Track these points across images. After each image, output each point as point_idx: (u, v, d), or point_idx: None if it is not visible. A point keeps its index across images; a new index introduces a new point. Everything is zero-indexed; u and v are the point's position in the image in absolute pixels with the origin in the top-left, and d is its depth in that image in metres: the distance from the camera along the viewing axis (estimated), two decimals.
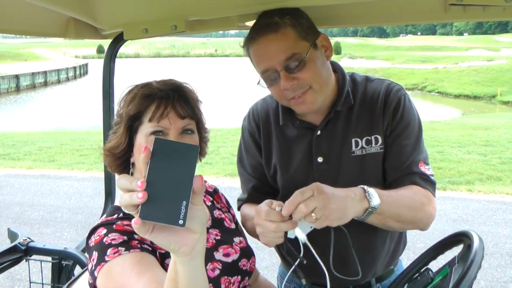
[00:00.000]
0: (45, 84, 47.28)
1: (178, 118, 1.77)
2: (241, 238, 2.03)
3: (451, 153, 12.48)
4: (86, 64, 64.04)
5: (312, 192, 1.62)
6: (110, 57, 2.71)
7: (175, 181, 1.03)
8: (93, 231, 1.73)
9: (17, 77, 42.01)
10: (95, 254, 1.63)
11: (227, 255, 1.90)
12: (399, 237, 2.30)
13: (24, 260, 2.82)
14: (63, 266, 2.77)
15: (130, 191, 1.04)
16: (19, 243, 2.78)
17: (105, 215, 1.83)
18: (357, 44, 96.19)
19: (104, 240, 1.64)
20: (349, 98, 2.08)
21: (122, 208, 1.69)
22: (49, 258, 2.83)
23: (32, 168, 12.03)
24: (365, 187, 1.77)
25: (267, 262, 5.94)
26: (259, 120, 2.27)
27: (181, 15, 2.18)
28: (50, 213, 8.68)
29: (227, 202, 2.25)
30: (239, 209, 2.38)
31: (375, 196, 1.75)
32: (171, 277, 1.19)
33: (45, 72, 48.30)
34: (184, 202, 1.03)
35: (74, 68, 58.64)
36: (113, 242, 1.62)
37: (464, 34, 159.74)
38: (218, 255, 1.88)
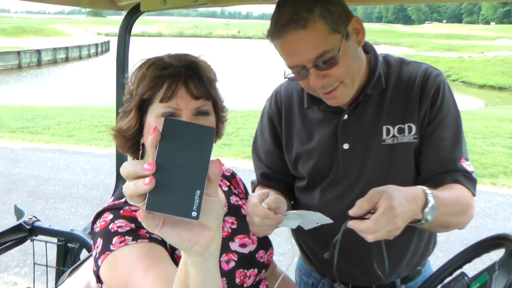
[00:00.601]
0: (67, 59, 47.33)
1: (192, 98, 1.64)
2: None
3: (475, 144, 12.16)
4: (108, 42, 64.09)
5: (379, 197, 1.51)
6: (125, 29, 2.57)
7: (187, 168, 0.89)
8: (98, 215, 1.62)
9: (38, 52, 42.18)
10: (99, 241, 1.53)
11: (243, 245, 1.79)
12: (429, 236, 2.15)
13: (29, 240, 2.69)
14: (69, 248, 2.64)
15: (136, 178, 0.88)
16: (24, 221, 2.65)
17: (112, 198, 1.71)
18: (381, 30, 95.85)
19: (110, 226, 1.53)
20: (381, 81, 1.94)
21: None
22: (55, 240, 2.70)
23: (50, 143, 12.05)
24: (429, 196, 1.62)
25: (284, 248, 5.79)
26: (282, 103, 2.15)
27: None
28: (66, 188, 8.65)
29: (245, 187, 2.13)
30: (253, 191, 2.27)
31: (433, 211, 1.61)
32: (181, 279, 1.04)
33: (66, 48, 48.40)
34: (198, 192, 0.88)
35: (96, 45, 58.54)
36: (120, 230, 1.51)
37: (491, 23, 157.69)
38: (234, 245, 1.76)
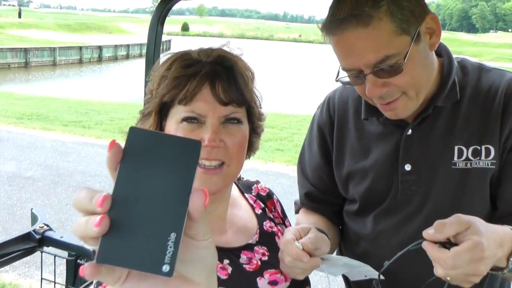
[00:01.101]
0: (127, 57, 48.24)
1: (219, 103, 1.37)
2: None
3: None
4: (169, 41, 65.14)
5: (466, 227, 1.24)
6: (158, 20, 2.28)
7: (159, 200, 0.63)
8: None
9: (100, 48, 43.23)
10: None
11: (274, 283, 1.51)
12: (501, 285, 1.84)
13: (39, 251, 2.42)
14: (79, 265, 2.35)
15: (89, 214, 0.63)
16: (33, 230, 2.39)
17: None
18: (444, 38, 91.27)
19: None
20: (455, 91, 1.63)
21: None
22: (65, 253, 2.42)
23: (101, 138, 12.02)
24: None
25: None
26: (335, 112, 1.90)
27: None
28: (112, 185, 8.46)
29: (282, 210, 1.81)
30: (296, 213, 2.05)
31: None
32: None
33: (127, 46, 49.39)
34: (173, 235, 0.62)
35: None
36: None
37: None
38: (262, 282, 1.49)
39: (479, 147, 1.61)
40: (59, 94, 20.04)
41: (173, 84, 1.37)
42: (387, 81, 1.50)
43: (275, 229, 1.67)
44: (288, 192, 6.54)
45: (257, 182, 1.79)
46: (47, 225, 2.44)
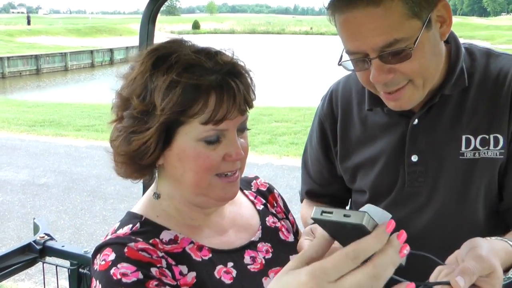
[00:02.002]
0: None
1: (239, 114, 1.32)
2: None
3: None
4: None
5: (489, 272, 1.14)
6: (148, 18, 2.23)
7: None
8: (98, 250, 1.31)
9: (111, 51, 43.29)
10: (99, 286, 1.24)
11: None
12: None
13: (41, 262, 2.37)
14: (82, 274, 2.30)
15: None
16: (34, 240, 2.33)
17: (118, 224, 1.39)
18: (455, 23, 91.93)
19: (112, 272, 1.22)
20: (463, 78, 1.57)
21: (144, 216, 1.38)
22: (67, 263, 2.37)
23: None
24: None
25: None
26: (338, 104, 1.85)
27: None
28: (126, 188, 8.48)
29: (285, 205, 1.75)
30: (301, 201, 2.10)
31: None
32: None
33: (139, 47, 49.62)
34: None
35: None
36: (124, 280, 1.20)
37: None
38: (268, 282, 1.38)
39: (487, 136, 1.55)
40: (71, 99, 20.15)
41: (190, 97, 1.25)
42: (393, 67, 1.43)
43: (278, 224, 1.62)
44: None
45: (256, 177, 1.74)
46: (48, 235, 2.37)
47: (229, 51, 1.37)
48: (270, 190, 1.73)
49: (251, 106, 1.35)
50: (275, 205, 1.71)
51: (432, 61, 1.48)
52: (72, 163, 10.09)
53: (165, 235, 1.36)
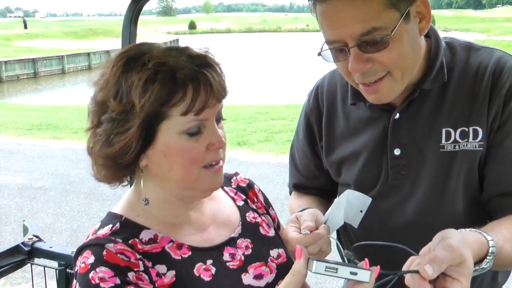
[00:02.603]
0: None
1: (217, 101, 1.36)
2: (281, 250, 1.59)
3: None
4: (177, 40, 65.42)
5: (459, 261, 1.19)
6: (130, 19, 2.24)
7: None
8: (79, 251, 1.34)
9: (108, 52, 43.17)
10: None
11: (259, 276, 1.49)
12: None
13: (29, 264, 2.39)
14: (70, 274, 2.32)
15: None
16: (22, 242, 2.35)
17: (99, 224, 1.41)
18: (451, 16, 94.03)
19: (91, 276, 1.25)
20: (443, 73, 1.61)
21: (124, 216, 1.40)
22: (55, 264, 2.39)
23: None
24: (491, 244, 1.33)
25: None
26: (323, 99, 1.89)
27: None
28: (123, 189, 8.44)
29: (265, 200, 1.77)
30: (290, 194, 2.14)
31: (492, 260, 1.33)
32: None
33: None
34: None
35: (165, 43, 59.35)
36: (102, 285, 1.24)
37: None
38: (248, 278, 1.46)
39: (466, 129, 1.58)
40: (68, 102, 20.12)
41: (169, 91, 1.28)
42: (371, 56, 1.46)
43: (259, 219, 1.64)
44: None
45: (236, 173, 1.76)
46: (37, 236, 2.39)
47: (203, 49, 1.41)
48: (250, 185, 1.75)
49: (226, 94, 1.38)
50: (256, 200, 1.73)
51: (409, 53, 1.51)
52: (69, 165, 10.07)
53: (145, 235, 1.38)
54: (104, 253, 1.27)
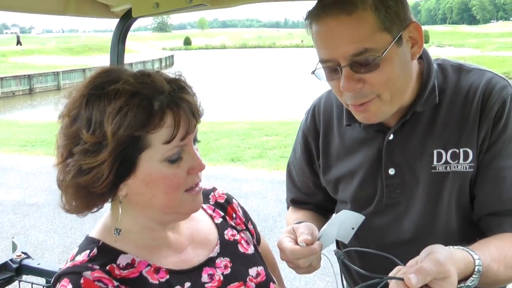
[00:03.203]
0: None
1: (194, 128, 1.36)
2: (260, 268, 1.57)
3: None
4: (172, 56, 65.56)
5: (444, 276, 1.23)
6: (118, 39, 2.28)
7: None
8: (57, 279, 1.33)
9: None
10: None
11: None
12: None
13: (17, 281, 2.40)
14: None
15: None
16: (11, 259, 2.37)
17: (76, 250, 1.40)
18: (445, 32, 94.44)
19: None
20: (434, 96, 1.65)
21: (101, 241, 1.39)
22: (43, 281, 2.41)
23: None
24: (477, 263, 1.36)
25: None
26: (320, 119, 1.92)
27: None
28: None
29: (244, 214, 1.76)
30: (288, 208, 2.16)
31: (477, 279, 1.36)
32: None
33: (130, 64, 49.49)
34: None
35: (160, 59, 59.77)
36: None
37: None
38: None
39: (457, 150, 1.61)
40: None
41: (146, 119, 1.25)
42: (363, 77, 1.50)
43: (237, 237, 1.64)
44: None
45: (214, 189, 1.74)
46: (25, 253, 2.41)
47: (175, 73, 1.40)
48: (229, 201, 1.73)
49: (201, 116, 1.38)
50: (234, 216, 1.71)
51: (400, 76, 1.54)
52: None
53: (122, 260, 1.36)
54: (82, 281, 1.26)
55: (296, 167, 2.05)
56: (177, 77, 1.37)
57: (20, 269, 2.40)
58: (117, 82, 1.28)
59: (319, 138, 1.91)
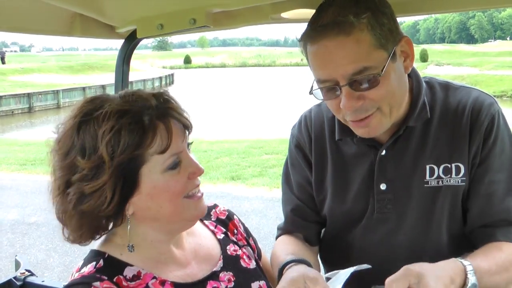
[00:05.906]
0: None
1: (185, 134, 1.41)
2: (262, 283, 1.60)
3: None
4: (172, 74, 65.82)
5: (415, 281, 1.30)
6: (123, 60, 2.31)
7: None
8: None
9: (103, 87, 43.20)
10: None
11: None
12: None
13: None
14: None
15: None
16: (15, 277, 2.38)
17: (82, 262, 1.43)
18: (444, 50, 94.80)
19: None
20: (426, 111, 1.68)
21: (107, 253, 1.41)
22: None
23: None
24: (469, 274, 1.39)
25: None
26: (312, 131, 1.90)
27: (200, 6, 1.83)
28: None
29: (245, 230, 1.80)
30: (276, 239, 2.00)
31: (474, 276, 1.39)
32: None
33: (131, 83, 49.56)
34: None
35: (160, 78, 59.97)
36: None
37: None
38: None
39: (449, 165, 1.64)
40: None
41: (139, 135, 1.30)
42: (363, 94, 1.52)
43: (239, 252, 1.67)
44: None
45: (215, 206, 1.78)
46: (29, 271, 2.43)
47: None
48: (230, 217, 1.77)
49: (190, 122, 1.43)
50: (236, 232, 1.75)
51: (397, 89, 1.57)
52: None
53: (128, 272, 1.39)
54: None
55: (297, 180, 1.95)
56: (161, 91, 1.43)
57: (24, 287, 2.41)
58: (103, 107, 1.31)
59: (312, 146, 1.89)
